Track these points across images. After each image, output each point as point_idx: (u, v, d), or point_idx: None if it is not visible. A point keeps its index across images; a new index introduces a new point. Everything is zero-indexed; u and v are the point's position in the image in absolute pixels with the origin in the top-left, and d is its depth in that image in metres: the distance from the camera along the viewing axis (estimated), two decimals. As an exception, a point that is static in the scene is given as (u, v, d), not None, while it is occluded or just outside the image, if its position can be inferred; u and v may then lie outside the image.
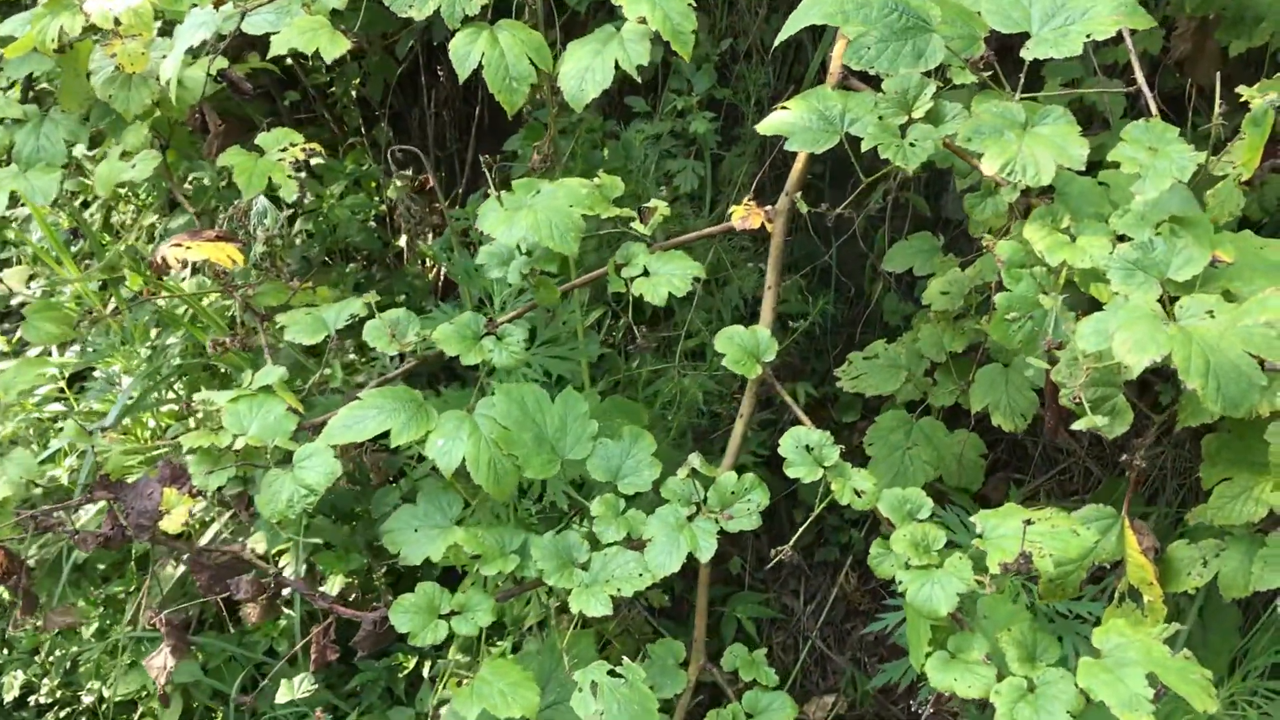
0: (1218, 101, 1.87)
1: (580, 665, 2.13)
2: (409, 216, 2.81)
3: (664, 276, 2.18)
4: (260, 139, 2.49)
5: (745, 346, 2.20)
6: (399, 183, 3.82)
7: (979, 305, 2.75)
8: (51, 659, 3.35)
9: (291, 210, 3.78)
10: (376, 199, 3.91)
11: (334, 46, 2.29)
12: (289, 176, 2.37)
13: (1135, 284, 1.75)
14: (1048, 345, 1.84)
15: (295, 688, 2.50)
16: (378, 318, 2.18)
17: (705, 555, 2.04)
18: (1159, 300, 1.73)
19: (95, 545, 2.18)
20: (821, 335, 3.90)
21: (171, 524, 2.15)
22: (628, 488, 2.18)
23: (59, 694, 3.32)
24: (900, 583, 1.93)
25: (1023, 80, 1.99)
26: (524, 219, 2.07)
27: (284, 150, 2.45)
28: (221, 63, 2.49)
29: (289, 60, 3.82)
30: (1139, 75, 2.12)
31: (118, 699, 3.18)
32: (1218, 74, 2.01)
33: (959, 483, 3.00)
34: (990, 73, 2.10)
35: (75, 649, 3.27)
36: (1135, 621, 1.95)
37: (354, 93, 4.11)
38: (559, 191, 2.13)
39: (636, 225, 2.20)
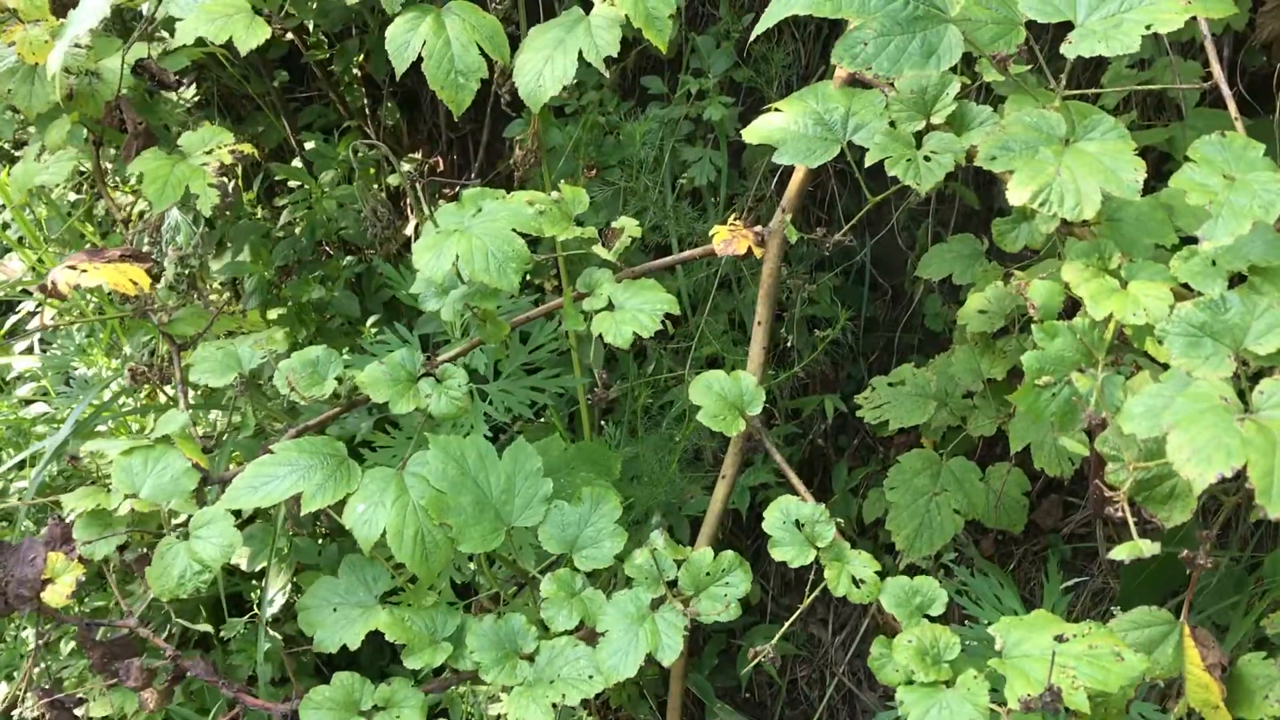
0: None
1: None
2: (375, 220, 2.47)
3: (629, 312, 1.80)
4: (184, 140, 2.15)
5: (726, 397, 1.83)
6: (405, 166, 3.49)
7: (1023, 323, 2.36)
8: (36, 672, 3.18)
9: (288, 201, 3.50)
10: (375, 187, 3.59)
11: (251, 35, 1.94)
12: (209, 185, 2.04)
13: (1201, 357, 1.32)
14: (1089, 420, 1.45)
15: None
16: (290, 359, 1.84)
17: (668, 657, 1.69)
18: (1232, 378, 1.32)
19: (-24, 614, 1.88)
20: (856, 339, 3.52)
21: (55, 596, 1.84)
22: (585, 562, 1.82)
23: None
24: (901, 703, 1.57)
25: (1064, 80, 1.58)
26: (455, 246, 1.70)
27: (209, 153, 2.12)
28: (140, 51, 2.16)
29: (289, 35, 3.53)
30: (1215, 68, 1.71)
31: (100, 718, 3.00)
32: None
33: (998, 524, 2.63)
34: (1031, 66, 1.70)
35: (57, 664, 3.08)
36: (1195, 760, 1.56)
37: (357, 70, 3.80)
38: (501, 211, 1.76)
39: (599, 250, 1.82)
